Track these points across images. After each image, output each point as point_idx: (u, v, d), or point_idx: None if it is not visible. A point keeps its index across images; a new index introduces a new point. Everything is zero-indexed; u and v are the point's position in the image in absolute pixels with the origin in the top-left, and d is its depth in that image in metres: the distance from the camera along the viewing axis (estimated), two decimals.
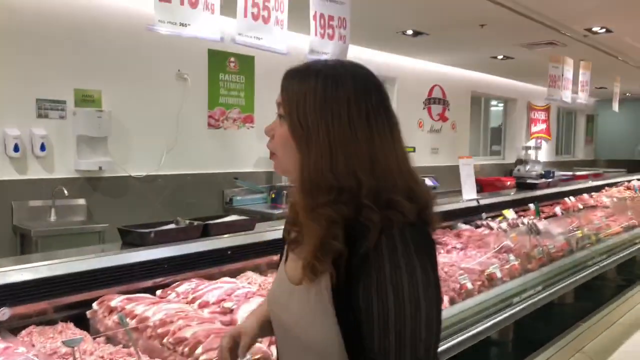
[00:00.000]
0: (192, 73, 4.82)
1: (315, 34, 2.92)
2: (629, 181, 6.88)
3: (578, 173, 8.79)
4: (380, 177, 0.95)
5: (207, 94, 5.01)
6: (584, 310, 4.53)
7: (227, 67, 5.11)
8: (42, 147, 3.86)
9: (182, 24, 2.36)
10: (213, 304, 2.18)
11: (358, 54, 5.52)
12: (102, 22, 4.21)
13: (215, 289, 2.29)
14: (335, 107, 0.96)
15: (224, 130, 5.19)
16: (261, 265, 2.98)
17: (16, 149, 3.75)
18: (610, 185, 6.70)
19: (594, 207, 5.71)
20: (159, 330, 1.92)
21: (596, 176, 7.86)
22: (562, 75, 5.47)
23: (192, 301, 2.25)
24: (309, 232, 0.96)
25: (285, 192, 5.02)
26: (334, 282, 0.95)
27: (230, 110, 5.20)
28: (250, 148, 5.46)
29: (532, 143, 10.41)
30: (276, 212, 4.80)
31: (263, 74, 5.44)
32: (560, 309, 4.19)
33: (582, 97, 6.23)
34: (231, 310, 2.14)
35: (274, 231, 3.08)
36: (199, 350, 1.78)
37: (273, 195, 5.09)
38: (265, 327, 1.26)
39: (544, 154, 10.87)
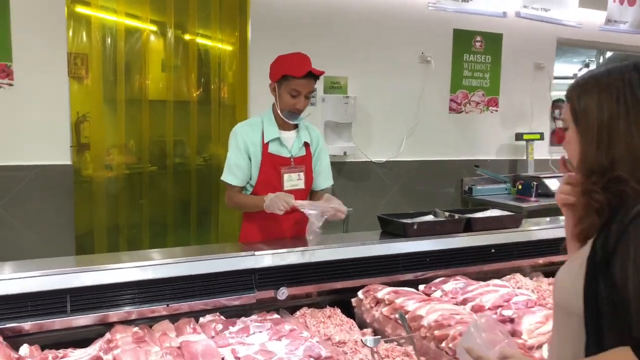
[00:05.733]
0: (435, 55, 4.59)
1: (614, 0, 2.40)
2: None
3: None
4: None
5: (449, 76, 4.74)
6: None
7: (472, 46, 4.76)
8: None
9: (463, 0, 2.13)
10: (489, 309, 1.93)
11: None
12: (347, 8, 4.25)
13: (489, 292, 2.03)
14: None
15: (466, 114, 4.86)
16: (525, 267, 2.63)
17: None
18: None
19: None
20: (436, 333, 1.74)
21: None
22: None
23: (463, 302, 2.03)
24: (579, 207, 1.11)
25: (535, 183, 4.49)
26: (591, 253, 1.03)
27: (473, 93, 4.85)
28: (493, 134, 5.03)
29: None
30: (524, 205, 4.31)
31: (510, 52, 4.94)
32: None
33: None
34: (511, 320, 1.86)
35: (542, 230, 2.70)
36: None
37: (520, 187, 4.59)
38: None
39: None
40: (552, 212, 4.40)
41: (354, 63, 4.32)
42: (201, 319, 1.90)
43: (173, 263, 1.87)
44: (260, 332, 1.80)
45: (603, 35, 5.32)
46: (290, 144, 2.45)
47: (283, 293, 2.05)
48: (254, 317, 1.97)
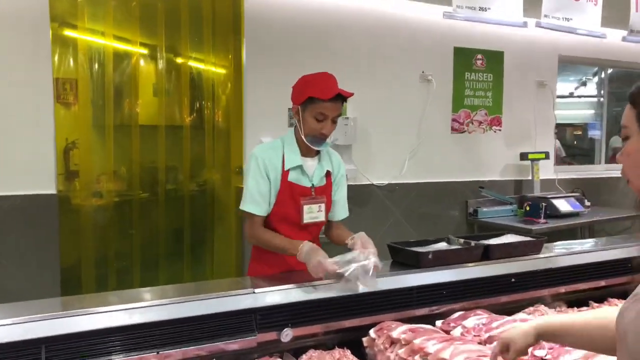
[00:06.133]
0: (436, 74, 4.47)
1: (637, 10, 2.26)
2: None
3: None
4: None
5: (451, 95, 4.60)
6: None
7: (473, 64, 4.63)
8: None
9: (481, 8, 2.00)
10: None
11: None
12: (345, 27, 4.13)
13: None
14: None
15: (469, 134, 4.72)
16: (546, 297, 2.43)
17: None
18: None
19: None
20: None
21: None
22: None
23: (488, 340, 1.82)
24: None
25: (544, 204, 4.31)
26: None
27: (475, 113, 4.71)
28: (497, 154, 4.88)
29: None
30: (534, 227, 4.13)
31: (512, 70, 4.82)
32: None
33: None
34: None
35: (564, 256, 2.50)
36: None
37: (528, 208, 4.42)
38: (546, 335, 1.30)
39: None
40: (564, 234, 4.23)
41: (353, 83, 4.10)
42: None
43: (162, 305, 1.66)
44: None
45: (604, 52, 5.23)
46: (311, 172, 2.22)
47: (287, 335, 1.84)
48: None
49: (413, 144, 4.46)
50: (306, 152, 2.21)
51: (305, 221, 2.18)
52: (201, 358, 1.73)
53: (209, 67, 3.89)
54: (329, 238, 2.38)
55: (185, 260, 3.76)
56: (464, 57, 4.59)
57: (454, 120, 4.64)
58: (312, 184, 2.22)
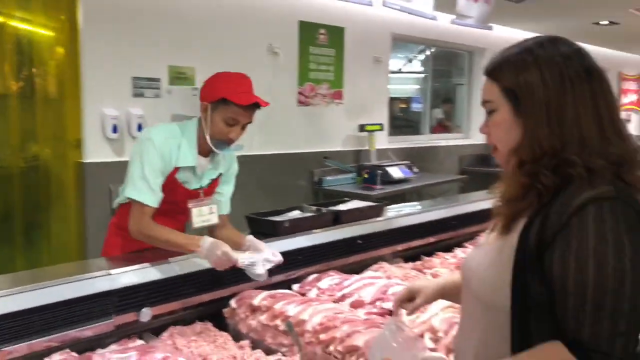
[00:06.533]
0: (282, 47, 4.54)
1: None
2: None
3: None
4: (586, 144, 0.97)
5: (297, 69, 4.73)
6: None
7: (317, 39, 4.81)
8: (139, 128, 3.70)
9: None
10: (369, 303, 1.91)
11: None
12: None
13: (365, 286, 2.03)
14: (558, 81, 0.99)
15: (314, 107, 4.91)
16: (387, 255, 2.71)
17: (114, 130, 3.61)
18: None
19: None
20: (322, 337, 1.67)
21: None
22: None
23: (342, 299, 2.00)
24: (508, 190, 1.02)
25: (380, 172, 4.71)
26: (520, 243, 0.97)
27: (319, 86, 4.91)
28: (339, 126, 5.17)
29: (622, 115, 9.61)
30: (371, 193, 4.50)
31: (352, 46, 5.11)
32: None
33: None
34: (390, 312, 1.86)
35: (401, 218, 2.80)
36: None
37: (366, 175, 4.79)
38: (446, 293, 1.35)
39: (635, 126, 10.05)
40: (397, 198, 4.68)
41: (201, 53, 4.06)
42: None
43: (7, 295, 1.50)
44: None
45: (432, 33, 5.79)
46: (203, 172, 2.08)
47: (146, 314, 1.80)
48: (113, 347, 1.69)
49: (262, 116, 4.47)
50: (204, 151, 2.05)
51: (195, 225, 2.03)
52: (51, 350, 1.62)
53: (37, 28, 3.46)
54: (214, 236, 2.10)
55: (16, 247, 3.37)
56: (308, 32, 4.73)
57: (300, 93, 4.79)
58: (201, 186, 2.08)
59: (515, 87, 1.01)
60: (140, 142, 2.01)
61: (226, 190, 2.23)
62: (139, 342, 1.73)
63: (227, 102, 1.94)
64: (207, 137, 1.99)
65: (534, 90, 0.99)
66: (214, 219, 2.08)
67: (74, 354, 1.60)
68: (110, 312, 1.71)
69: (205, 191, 2.10)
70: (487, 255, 1.06)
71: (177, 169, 2.01)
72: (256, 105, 1.99)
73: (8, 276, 1.76)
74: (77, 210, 3.55)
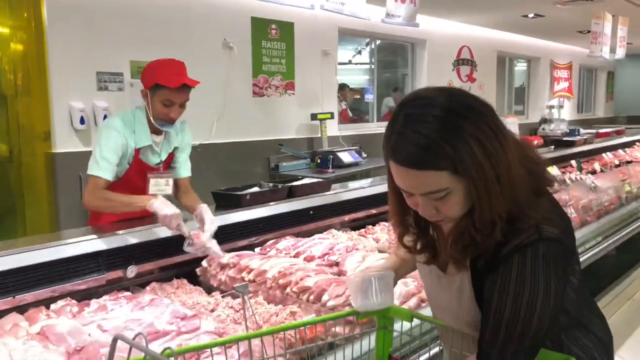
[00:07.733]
0: (237, 42, 4.87)
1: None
2: None
3: (601, 130, 8.80)
4: (514, 191, 1.05)
5: (251, 62, 5.07)
6: (630, 261, 4.65)
7: (269, 34, 5.15)
8: (105, 119, 3.95)
9: None
10: (319, 257, 2.31)
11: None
12: None
13: (315, 245, 2.42)
14: (487, 144, 1.02)
15: (268, 97, 5.26)
16: (336, 224, 3.11)
17: (82, 121, 3.85)
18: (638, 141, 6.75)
19: (629, 162, 5.79)
20: (281, 281, 2.05)
21: (619, 133, 7.87)
22: (603, 31, 5.46)
23: (297, 256, 2.38)
24: (454, 241, 1.12)
25: (331, 157, 5.12)
26: (473, 275, 1.13)
27: (272, 78, 5.27)
28: (292, 115, 5.54)
29: (554, 102, 10.40)
30: (325, 176, 4.90)
31: (301, 40, 5.48)
32: (607, 260, 4.31)
33: (620, 53, 6.22)
34: (337, 263, 2.27)
35: (348, 192, 3.20)
36: (325, 297, 1.91)
37: (319, 161, 5.19)
38: (399, 276, 1.49)
39: (566, 112, 10.87)
40: (347, 179, 5.11)
41: (160, 47, 4.33)
42: (52, 306, 1.88)
43: (17, 253, 1.81)
44: (120, 307, 1.88)
45: (377, 26, 6.22)
46: (159, 148, 2.40)
47: (132, 271, 2.13)
48: (106, 297, 2.02)
49: (220, 106, 4.83)
50: (155, 130, 2.36)
51: (150, 192, 2.32)
52: (55, 299, 1.93)
53: (2, 27, 3.66)
54: (179, 200, 2.51)
55: None
56: (260, 27, 5.07)
57: (254, 84, 5.13)
58: (160, 160, 2.40)
59: (455, 161, 1.00)
60: (100, 130, 2.36)
61: (182, 156, 2.53)
62: (127, 293, 2.06)
63: (160, 86, 2.22)
64: (151, 119, 2.30)
65: (474, 157, 1.00)
66: (168, 190, 2.39)
67: (75, 301, 1.92)
68: (101, 268, 2.04)
69: (164, 166, 2.43)
70: (452, 299, 1.20)
71: (138, 151, 2.33)
72: (187, 86, 2.25)
73: (19, 240, 2.07)
74: (48, 197, 3.78)
